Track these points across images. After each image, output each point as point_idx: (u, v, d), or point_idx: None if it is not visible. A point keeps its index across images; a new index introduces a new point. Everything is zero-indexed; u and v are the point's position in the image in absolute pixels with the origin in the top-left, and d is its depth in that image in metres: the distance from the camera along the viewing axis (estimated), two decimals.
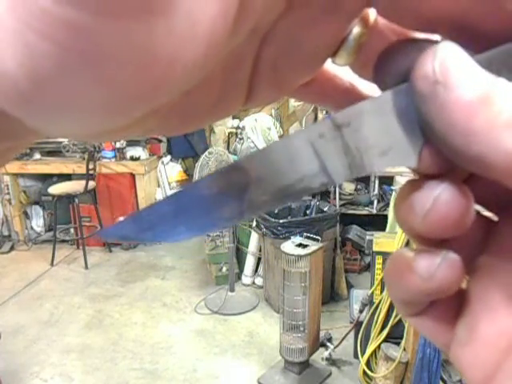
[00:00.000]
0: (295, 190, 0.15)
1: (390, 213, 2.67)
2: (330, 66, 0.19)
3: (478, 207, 0.17)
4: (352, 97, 0.19)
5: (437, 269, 0.15)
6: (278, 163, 0.15)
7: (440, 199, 0.14)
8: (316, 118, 3.88)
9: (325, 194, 3.45)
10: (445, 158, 0.14)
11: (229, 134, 3.92)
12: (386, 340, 2.12)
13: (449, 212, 0.14)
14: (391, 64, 0.15)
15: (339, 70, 0.19)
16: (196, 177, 2.80)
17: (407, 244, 1.96)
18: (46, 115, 0.11)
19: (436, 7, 0.14)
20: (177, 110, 0.16)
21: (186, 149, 4.51)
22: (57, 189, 3.68)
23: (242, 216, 0.15)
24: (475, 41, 0.15)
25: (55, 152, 4.08)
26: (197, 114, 0.18)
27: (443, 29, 0.15)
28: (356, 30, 0.16)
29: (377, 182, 3.50)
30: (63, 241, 4.02)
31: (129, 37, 0.10)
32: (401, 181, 2.57)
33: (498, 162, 0.12)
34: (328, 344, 2.49)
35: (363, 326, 2.25)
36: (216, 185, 0.15)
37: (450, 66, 0.13)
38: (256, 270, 3.38)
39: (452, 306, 0.17)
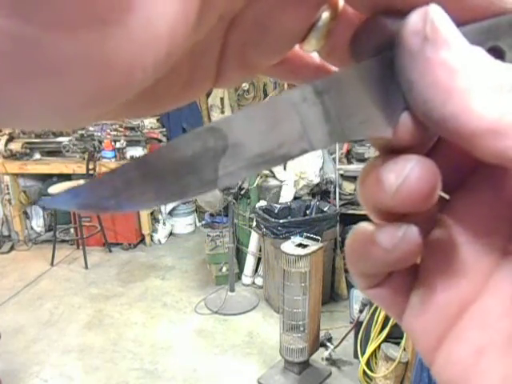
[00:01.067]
0: (273, 156, 0.14)
1: None
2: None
3: None
4: (322, 74, 0.19)
5: (399, 241, 0.15)
6: (258, 127, 0.14)
7: (412, 174, 0.14)
8: None
9: (325, 194, 3.46)
10: (419, 129, 0.15)
11: None
12: (385, 340, 2.12)
13: (420, 187, 0.14)
14: (369, 36, 0.16)
15: None
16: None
17: None
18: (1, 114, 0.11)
19: None
20: (144, 95, 0.16)
21: None
22: (57, 189, 3.67)
23: (215, 184, 0.14)
24: None
25: (55, 152, 4.09)
26: (166, 97, 0.18)
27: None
28: (325, 15, 0.16)
29: None
30: (63, 241, 4.01)
31: (80, 47, 0.10)
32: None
33: (468, 123, 0.13)
34: (328, 344, 2.49)
35: (363, 326, 2.25)
36: (190, 148, 0.14)
37: (439, 25, 0.14)
38: (256, 270, 3.38)
39: (407, 278, 0.18)
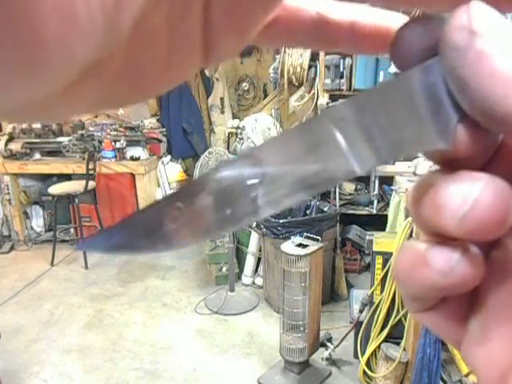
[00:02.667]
0: (316, 181, 0.13)
1: (390, 213, 2.67)
2: (289, 1, 0.17)
3: None
4: (322, 27, 0.18)
5: (456, 264, 0.14)
6: (296, 151, 0.13)
7: (482, 199, 0.13)
8: None
9: (325, 194, 3.45)
10: (478, 137, 0.14)
11: (229, 134, 3.92)
12: (386, 340, 2.11)
13: (492, 215, 0.13)
14: (411, 41, 0.15)
15: (301, 2, 0.17)
16: (196, 177, 2.80)
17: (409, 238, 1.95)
18: None
19: None
20: (122, 77, 0.14)
21: (186, 149, 4.51)
22: (57, 189, 3.68)
23: (256, 214, 0.13)
24: None
25: (55, 152, 4.09)
26: (146, 77, 0.15)
27: None
28: None
29: (377, 181, 3.50)
30: (63, 241, 4.01)
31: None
32: (401, 181, 2.56)
33: None
34: (328, 344, 2.49)
35: (363, 325, 2.25)
36: (226, 178, 0.13)
37: (486, 17, 0.13)
38: (256, 270, 3.38)
39: (464, 301, 0.16)
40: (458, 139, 0.14)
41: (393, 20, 0.17)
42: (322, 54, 3.42)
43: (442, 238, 0.14)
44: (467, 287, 0.14)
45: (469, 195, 0.13)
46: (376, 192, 3.52)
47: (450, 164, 0.14)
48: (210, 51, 0.16)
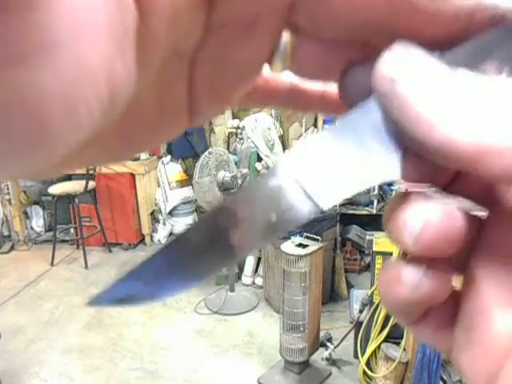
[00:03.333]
0: (283, 221, 0.15)
1: None
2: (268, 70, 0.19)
3: (468, 204, 0.17)
4: (296, 94, 0.20)
5: (420, 280, 0.15)
6: (262, 198, 0.15)
7: (431, 221, 0.14)
8: (316, 118, 3.88)
9: None
10: (425, 165, 0.15)
11: (229, 134, 3.92)
12: (386, 340, 2.11)
13: (440, 234, 0.14)
14: (354, 80, 0.16)
15: (278, 73, 0.19)
16: (196, 177, 2.80)
17: None
18: None
19: (350, 16, 0.14)
20: (118, 137, 0.16)
21: (186, 149, 4.50)
22: (57, 189, 3.68)
23: (233, 258, 0.15)
24: (437, 45, 0.15)
25: None
26: (140, 137, 0.17)
27: (376, 35, 0.15)
28: (285, 37, 0.16)
29: None
30: (63, 241, 4.01)
31: (4, 88, 0.09)
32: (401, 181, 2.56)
33: (456, 152, 0.13)
34: (328, 344, 2.49)
35: (363, 326, 2.25)
36: (204, 232, 0.15)
37: (405, 62, 0.14)
38: (256, 270, 3.38)
39: (449, 310, 0.17)
40: (406, 171, 0.15)
41: None
42: None
43: (411, 255, 0.15)
44: (437, 300, 0.15)
45: (421, 216, 0.14)
46: (376, 192, 3.52)
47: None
48: (194, 115, 0.18)
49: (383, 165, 0.15)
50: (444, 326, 0.17)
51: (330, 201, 0.15)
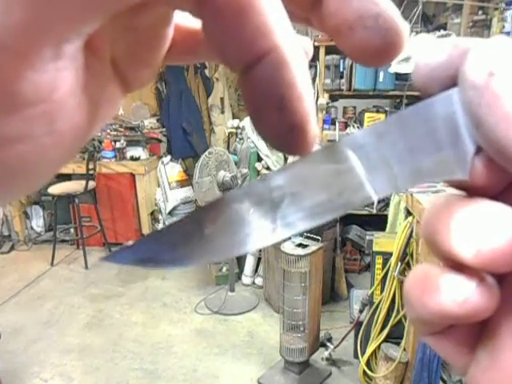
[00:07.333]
0: (334, 205, 0.14)
1: (390, 213, 2.67)
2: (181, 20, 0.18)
3: None
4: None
5: (471, 294, 0.13)
6: (315, 175, 0.14)
7: (503, 233, 0.13)
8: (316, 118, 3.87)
9: None
10: (494, 170, 0.14)
11: (229, 134, 3.92)
12: (386, 340, 2.11)
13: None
14: (433, 69, 0.15)
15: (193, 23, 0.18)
16: (196, 177, 2.80)
17: (407, 245, 1.96)
18: None
19: None
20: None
21: (186, 149, 4.50)
22: (57, 189, 3.68)
23: (274, 235, 0.13)
24: None
25: None
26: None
27: None
28: None
29: None
30: (63, 241, 4.01)
31: None
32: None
33: None
34: (328, 344, 2.49)
35: (363, 325, 2.25)
36: (247, 198, 0.13)
37: (506, 57, 0.13)
38: (256, 270, 3.38)
39: (474, 328, 0.15)
40: (474, 171, 0.14)
41: None
42: (321, 54, 3.42)
43: (454, 264, 0.14)
44: (481, 317, 0.14)
45: (492, 225, 0.13)
46: None
47: (465, 189, 0.15)
48: (128, 87, 0.17)
49: (452, 159, 0.14)
50: (466, 342, 0.16)
51: (386, 192, 0.14)
